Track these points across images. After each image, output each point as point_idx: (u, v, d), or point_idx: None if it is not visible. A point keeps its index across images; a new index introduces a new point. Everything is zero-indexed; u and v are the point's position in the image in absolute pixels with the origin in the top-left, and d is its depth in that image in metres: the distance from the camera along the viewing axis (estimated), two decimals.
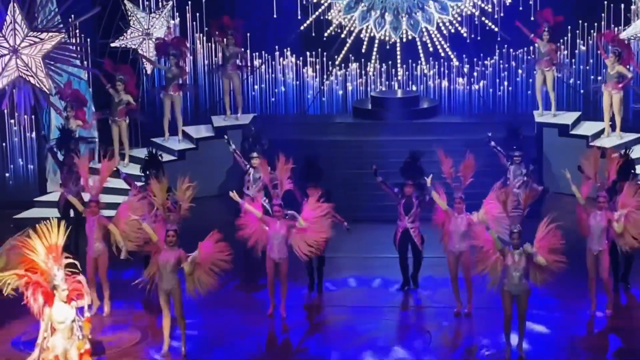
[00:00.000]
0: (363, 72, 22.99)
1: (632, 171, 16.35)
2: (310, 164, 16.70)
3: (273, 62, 23.05)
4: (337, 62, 22.87)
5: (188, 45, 21.98)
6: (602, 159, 15.56)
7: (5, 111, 19.81)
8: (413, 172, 16.33)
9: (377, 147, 20.35)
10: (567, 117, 21.34)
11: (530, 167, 17.78)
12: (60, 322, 11.59)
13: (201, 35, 22.70)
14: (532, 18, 21.55)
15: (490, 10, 22.20)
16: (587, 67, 22.24)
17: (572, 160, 16.28)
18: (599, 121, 20.90)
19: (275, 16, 22.64)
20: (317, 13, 22.51)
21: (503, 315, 13.77)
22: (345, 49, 22.64)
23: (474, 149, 16.32)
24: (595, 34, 21.74)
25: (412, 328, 15.30)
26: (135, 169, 18.85)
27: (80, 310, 11.76)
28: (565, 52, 22.13)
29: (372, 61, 22.81)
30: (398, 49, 22.60)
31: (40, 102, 18.56)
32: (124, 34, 21.49)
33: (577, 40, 22.16)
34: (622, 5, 21.45)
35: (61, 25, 19.04)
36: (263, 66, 22.97)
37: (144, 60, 21.69)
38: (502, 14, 22.20)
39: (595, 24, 21.89)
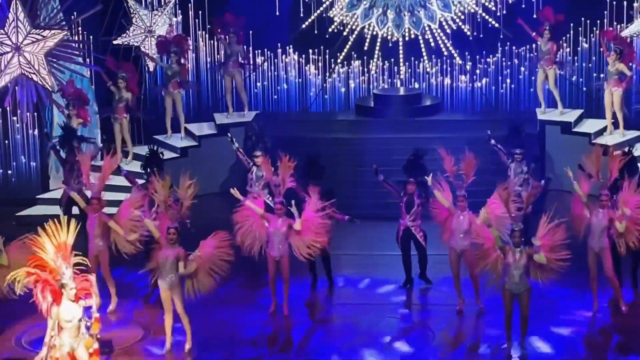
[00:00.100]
0: (365, 69, 22.97)
1: (635, 169, 16.31)
2: (312, 162, 16.70)
3: (275, 60, 23.04)
4: (339, 60, 22.85)
5: (190, 42, 21.96)
6: (604, 156, 15.53)
7: (8, 109, 19.81)
8: (416, 170, 16.33)
9: (380, 145, 20.30)
10: (570, 115, 21.29)
11: (532, 166, 17.73)
12: (68, 321, 11.55)
13: (203, 32, 22.68)
14: (534, 16, 21.52)
15: (492, 7, 22.19)
16: (590, 65, 22.19)
17: (575, 158, 16.24)
18: (602, 119, 20.89)
19: (277, 14, 22.62)
20: (319, 10, 22.51)
21: (504, 313, 13.78)
22: (348, 46, 22.64)
23: (476, 146, 16.32)
24: (597, 32, 21.71)
25: (414, 325, 15.30)
26: (137, 166, 18.83)
27: (87, 309, 11.73)
28: (568, 49, 22.10)
29: (375, 59, 22.79)
30: (400, 46, 22.59)
31: (42, 99, 18.56)
32: (127, 31, 21.49)
33: (580, 38, 22.12)
34: (625, 3, 21.42)
35: (63, 23, 19.03)
36: (265, 63, 22.95)
37: (146, 57, 21.70)
38: (504, 11, 22.20)
39: (598, 22, 21.85)
